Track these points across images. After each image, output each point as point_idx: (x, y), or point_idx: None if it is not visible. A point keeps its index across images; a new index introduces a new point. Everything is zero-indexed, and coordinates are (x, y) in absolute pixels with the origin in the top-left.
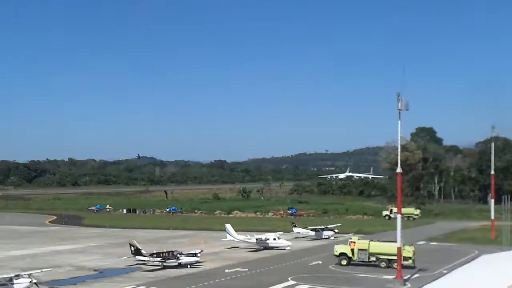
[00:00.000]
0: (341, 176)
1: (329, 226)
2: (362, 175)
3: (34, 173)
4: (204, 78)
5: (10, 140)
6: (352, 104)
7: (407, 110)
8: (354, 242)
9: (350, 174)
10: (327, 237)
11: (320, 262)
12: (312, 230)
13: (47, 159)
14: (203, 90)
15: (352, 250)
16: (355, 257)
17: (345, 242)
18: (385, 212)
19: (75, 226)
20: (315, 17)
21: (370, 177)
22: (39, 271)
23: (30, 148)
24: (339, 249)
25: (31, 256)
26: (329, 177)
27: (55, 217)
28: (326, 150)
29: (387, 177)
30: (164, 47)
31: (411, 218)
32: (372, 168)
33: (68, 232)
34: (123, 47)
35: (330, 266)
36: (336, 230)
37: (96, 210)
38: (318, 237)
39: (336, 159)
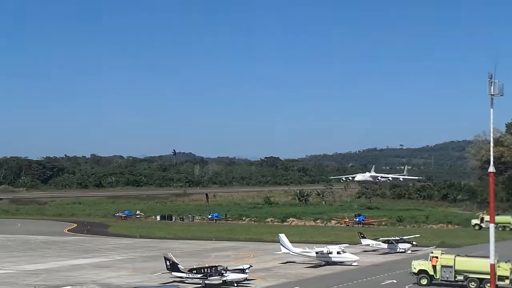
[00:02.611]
0: (359, 177)
1: (405, 238)
2: (390, 176)
3: (49, 172)
4: (249, 62)
5: (21, 134)
6: (433, 90)
7: (501, 95)
8: (437, 257)
9: (374, 174)
10: (403, 250)
11: (395, 281)
12: (384, 242)
13: (65, 155)
14: (248, 75)
15: (434, 266)
16: (438, 276)
17: (425, 257)
18: (474, 221)
19: (99, 235)
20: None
21: (401, 179)
22: None
23: (45, 143)
24: (418, 265)
25: (47, 271)
26: (343, 179)
27: (75, 225)
28: (401, 145)
29: (422, 178)
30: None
31: (507, 229)
32: (405, 167)
33: (91, 242)
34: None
35: (406, 286)
36: (414, 242)
37: (124, 217)
38: (392, 251)
39: (413, 156)
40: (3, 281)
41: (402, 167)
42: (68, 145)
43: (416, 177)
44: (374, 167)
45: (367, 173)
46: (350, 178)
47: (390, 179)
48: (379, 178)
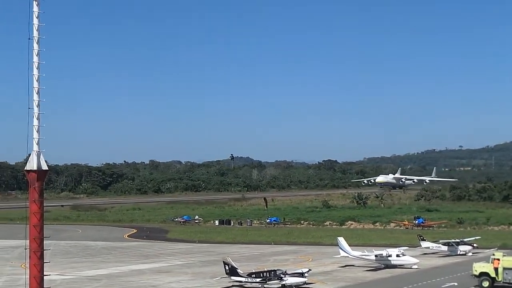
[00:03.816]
0: (380, 179)
1: (465, 240)
2: (415, 178)
3: (109, 179)
4: (306, 62)
5: (81, 141)
6: (492, 89)
7: None
8: (499, 260)
9: (398, 176)
10: (464, 253)
11: (456, 284)
12: (444, 244)
13: (124, 161)
14: (308, 77)
15: (496, 269)
16: (500, 278)
17: (486, 259)
18: None
19: (159, 241)
20: None
21: (427, 180)
22: None
23: (105, 150)
24: (479, 268)
25: (108, 276)
26: (365, 181)
27: (135, 231)
28: (461, 146)
29: (457, 180)
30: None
31: None
32: (435, 168)
33: (151, 248)
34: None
35: None
36: (475, 245)
37: (183, 222)
38: (452, 253)
39: (473, 157)
40: (66, 286)
41: (463, 169)
42: (127, 151)
43: (448, 179)
44: (400, 169)
45: (390, 174)
46: (372, 181)
47: (416, 181)
48: (403, 180)
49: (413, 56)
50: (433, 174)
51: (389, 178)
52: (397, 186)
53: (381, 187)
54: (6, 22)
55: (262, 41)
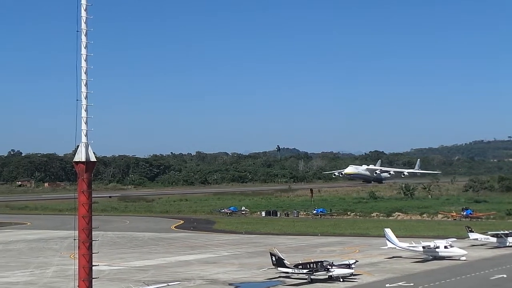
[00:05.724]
0: (349, 170)
1: None
2: (392, 170)
3: (156, 170)
4: (352, 53)
5: (129, 133)
6: None
7: None
8: None
9: (372, 167)
10: None
11: (505, 276)
12: (493, 236)
13: (171, 153)
14: (351, 68)
15: None
16: None
17: None
18: None
19: (206, 232)
20: None
21: (405, 173)
22: (165, 285)
23: (153, 141)
24: None
25: (155, 267)
26: (336, 173)
27: (182, 222)
28: (510, 137)
29: (438, 172)
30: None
31: None
32: (418, 160)
33: (197, 239)
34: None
35: None
36: None
37: (229, 213)
38: (501, 245)
39: None
40: (114, 277)
41: (511, 159)
42: (174, 143)
43: (432, 172)
44: (380, 161)
45: (363, 165)
46: (343, 173)
47: (392, 173)
48: (377, 172)
49: (462, 45)
50: (416, 167)
51: (360, 169)
52: (371, 179)
53: (350, 179)
54: (55, 15)
55: (305, 32)
